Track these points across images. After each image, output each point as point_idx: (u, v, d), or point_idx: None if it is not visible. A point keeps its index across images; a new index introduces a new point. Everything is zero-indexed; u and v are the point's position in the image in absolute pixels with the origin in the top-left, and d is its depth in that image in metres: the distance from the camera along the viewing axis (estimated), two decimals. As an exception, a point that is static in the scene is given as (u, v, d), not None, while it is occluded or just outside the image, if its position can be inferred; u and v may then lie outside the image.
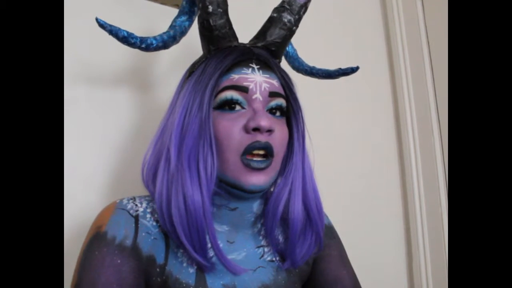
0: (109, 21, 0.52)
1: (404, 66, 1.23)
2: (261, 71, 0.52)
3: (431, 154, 1.15)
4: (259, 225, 0.57)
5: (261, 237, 0.57)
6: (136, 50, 0.56)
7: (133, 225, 0.49)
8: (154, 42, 0.55)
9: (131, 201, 0.51)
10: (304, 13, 0.60)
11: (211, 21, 0.53)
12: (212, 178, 0.48)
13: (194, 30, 0.59)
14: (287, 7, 0.58)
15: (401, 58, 1.23)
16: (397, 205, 1.21)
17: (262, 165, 0.49)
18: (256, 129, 0.49)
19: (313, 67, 0.67)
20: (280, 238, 0.58)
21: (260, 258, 0.55)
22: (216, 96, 0.51)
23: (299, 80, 0.59)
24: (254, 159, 0.49)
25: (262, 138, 0.49)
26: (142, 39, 0.54)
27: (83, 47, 0.73)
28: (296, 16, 0.58)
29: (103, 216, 0.49)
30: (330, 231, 0.65)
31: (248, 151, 0.49)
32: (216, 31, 0.54)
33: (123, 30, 0.52)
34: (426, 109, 1.17)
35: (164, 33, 0.58)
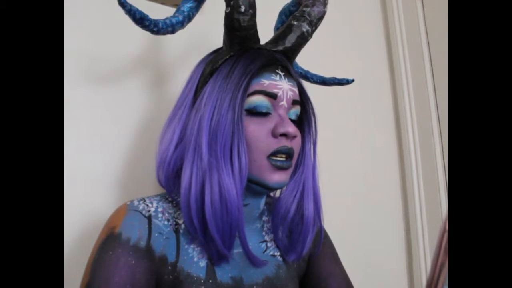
0: (110, 20, 0.52)
1: (404, 66, 1.23)
2: (286, 79, 0.55)
3: (431, 154, 1.15)
4: (261, 221, 0.60)
5: (263, 233, 0.60)
6: (139, 48, 0.55)
7: (147, 226, 0.50)
8: (164, 26, 0.55)
9: (141, 201, 0.52)
10: (319, 25, 0.61)
11: (241, 20, 0.54)
12: (245, 175, 0.50)
13: (195, 29, 0.58)
14: (308, 18, 0.59)
15: (401, 58, 1.23)
16: (397, 205, 1.21)
17: (286, 165, 0.53)
18: (283, 135, 0.52)
19: (308, 71, 0.68)
20: (281, 233, 0.60)
21: (264, 252, 0.58)
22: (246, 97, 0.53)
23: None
24: (279, 159, 0.52)
25: (287, 143, 0.53)
26: (155, 22, 0.54)
27: (84, 46, 0.73)
28: (314, 28, 0.60)
29: (116, 217, 0.50)
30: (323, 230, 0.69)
31: (274, 154, 0.52)
32: (245, 31, 0.55)
33: (141, 11, 0.52)
34: (426, 109, 1.17)
35: (172, 17, 0.57)
